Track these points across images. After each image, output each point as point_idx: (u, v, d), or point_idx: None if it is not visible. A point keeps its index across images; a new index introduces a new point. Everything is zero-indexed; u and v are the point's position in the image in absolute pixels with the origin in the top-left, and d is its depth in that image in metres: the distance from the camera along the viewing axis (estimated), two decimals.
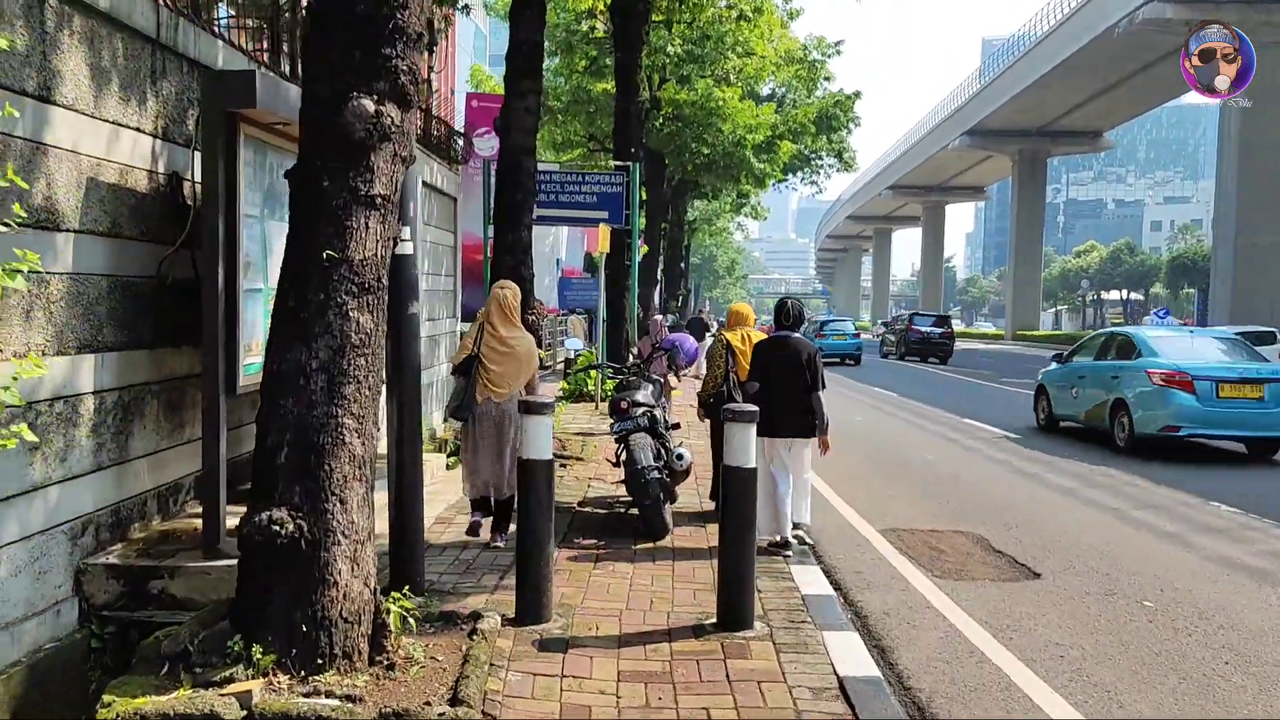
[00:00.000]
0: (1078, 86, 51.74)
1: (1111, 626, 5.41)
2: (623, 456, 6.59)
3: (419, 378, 5.32)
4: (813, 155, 32.03)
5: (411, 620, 4.33)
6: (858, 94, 27.98)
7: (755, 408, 4.89)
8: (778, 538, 6.36)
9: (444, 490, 8.06)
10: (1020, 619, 5.50)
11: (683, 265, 43.77)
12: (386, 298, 4.12)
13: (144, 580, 5.15)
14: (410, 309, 4.98)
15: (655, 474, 6.32)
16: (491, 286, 6.52)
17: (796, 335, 6.69)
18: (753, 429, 4.81)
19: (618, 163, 15.76)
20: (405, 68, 4.04)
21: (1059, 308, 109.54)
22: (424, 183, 13.04)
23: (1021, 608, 5.71)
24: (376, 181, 3.95)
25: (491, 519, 6.42)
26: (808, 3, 25.64)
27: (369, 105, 3.91)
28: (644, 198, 32.30)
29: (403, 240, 4.74)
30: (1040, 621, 5.46)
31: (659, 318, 14.03)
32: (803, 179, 33.23)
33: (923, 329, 35.49)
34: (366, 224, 3.94)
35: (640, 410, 6.59)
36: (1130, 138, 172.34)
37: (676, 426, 7.40)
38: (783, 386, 6.41)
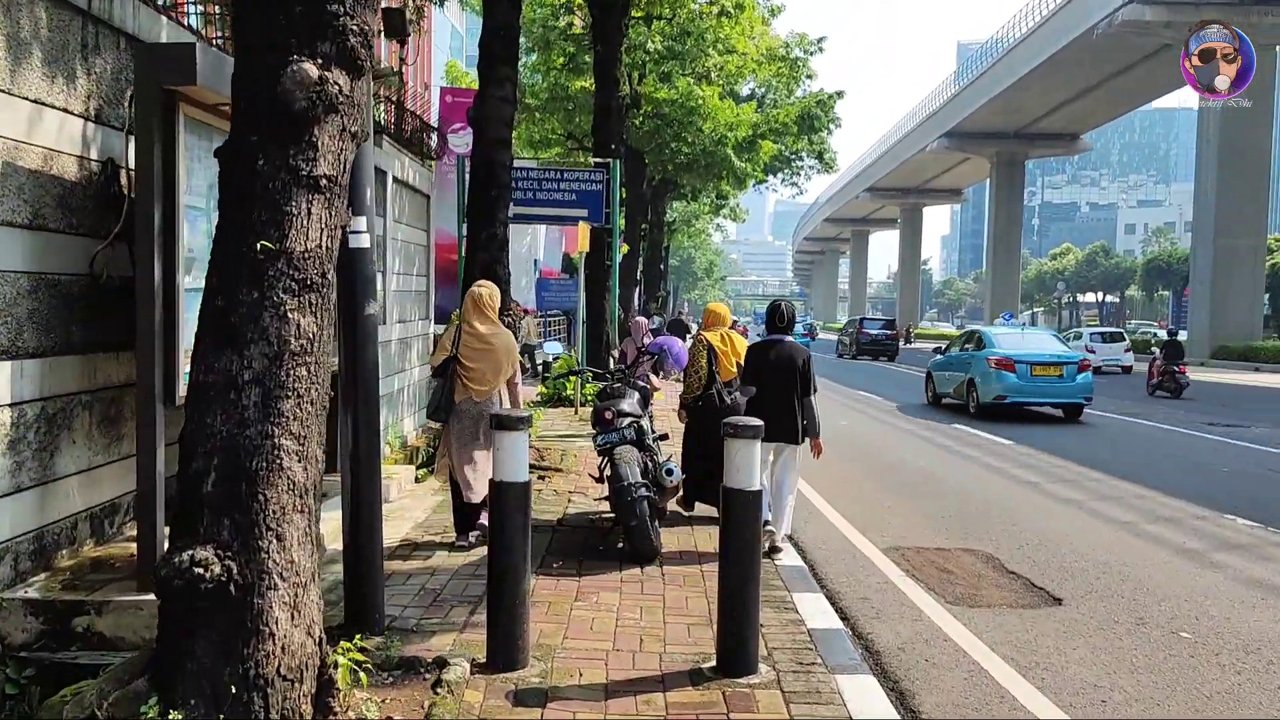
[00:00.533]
0: (1056, 88, 51.68)
1: (1150, 662, 4.88)
2: (607, 472, 6.02)
3: (376, 386, 4.71)
4: (793, 156, 31.57)
5: (363, 674, 3.72)
6: (840, 93, 27.51)
7: (759, 422, 4.30)
8: (766, 545, 6.08)
9: (412, 506, 7.45)
10: (1048, 654, 4.96)
11: (662, 266, 43.26)
12: (334, 296, 3.53)
13: (68, 616, 4.57)
14: (367, 309, 4.37)
15: (643, 492, 5.74)
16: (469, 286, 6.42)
17: (790, 339, 6.58)
18: (757, 445, 4.23)
19: (597, 159, 15.18)
20: (356, 28, 3.45)
21: (1035, 310, 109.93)
22: (395, 178, 12.42)
23: (1047, 640, 5.17)
24: (321, 160, 3.35)
25: (476, 517, 6.24)
26: (788, 1, 25.05)
27: (311, 71, 3.31)
28: (624, 197, 31.85)
29: (356, 232, 4.16)
30: (1071, 657, 4.92)
31: (641, 319, 13.42)
32: (783, 180, 32.78)
33: (872, 331, 40.12)
34: (309, 210, 3.33)
35: (626, 421, 6.01)
36: (1104, 141, 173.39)
37: (664, 438, 6.81)
38: (775, 391, 6.30)
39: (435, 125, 15.12)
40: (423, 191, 14.15)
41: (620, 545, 6.15)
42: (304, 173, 3.31)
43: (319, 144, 3.34)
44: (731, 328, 7.30)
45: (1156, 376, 21.79)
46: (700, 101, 22.56)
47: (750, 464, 4.18)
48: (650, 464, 6.10)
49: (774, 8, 25.20)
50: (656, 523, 6.02)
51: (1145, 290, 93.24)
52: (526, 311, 24.98)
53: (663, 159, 24.34)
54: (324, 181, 3.36)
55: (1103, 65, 46.53)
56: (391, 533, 6.47)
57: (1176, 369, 21.31)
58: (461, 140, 17.36)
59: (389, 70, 15.44)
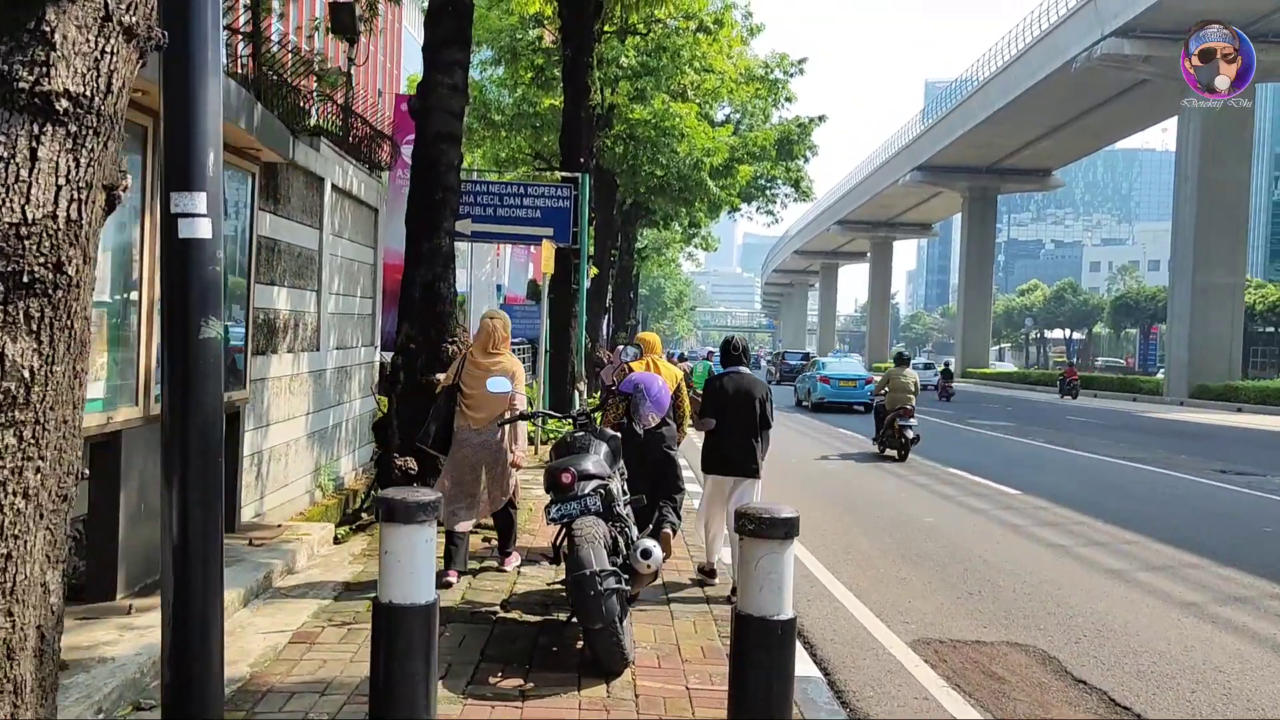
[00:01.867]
0: (1030, 124, 51.35)
1: None
2: (564, 547, 4.58)
3: (219, 440, 3.21)
4: (768, 184, 30.45)
5: None
6: (823, 117, 26.42)
7: (791, 514, 2.91)
8: (708, 565, 6.48)
9: (321, 581, 5.93)
10: None
11: (632, 295, 41.93)
12: (85, 303, 2.09)
13: None
14: (203, 331, 2.92)
15: (611, 583, 4.26)
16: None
17: (747, 371, 6.60)
18: (788, 551, 2.83)
19: (565, 173, 13.82)
20: None
21: (1002, 345, 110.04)
22: (335, 186, 10.98)
23: None
24: (58, 68, 1.93)
25: (497, 544, 6.58)
26: (765, 23, 23.90)
27: None
28: (593, 218, 30.54)
29: (190, 214, 2.75)
30: None
31: (620, 348, 11.61)
32: (758, 208, 31.61)
33: (791, 362, 47.83)
34: (32, 151, 1.91)
35: (589, 486, 4.56)
36: (1069, 180, 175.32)
37: (640, 502, 5.37)
38: (735, 424, 6.33)
39: (389, 134, 13.69)
40: (370, 204, 12.72)
41: (580, 641, 4.70)
42: (24, 85, 1.88)
43: (54, 35, 1.91)
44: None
45: (939, 390, 36.42)
46: (676, 121, 21.31)
47: (780, 580, 2.76)
48: (621, 540, 4.65)
49: (754, 27, 24.11)
50: (628, 621, 4.56)
51: (1113, 327, 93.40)
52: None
53: (635, 181, 23.05)
54: (63, 104, 1.93)
55: (1078, 100, 46.17)
56: (284, 623, 4.98)
57: (948, 385, 36.89)
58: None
59: (336, 71, 14.03)
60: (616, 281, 35.84)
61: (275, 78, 10.38)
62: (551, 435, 13.16)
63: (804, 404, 28.53)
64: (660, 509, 6.68)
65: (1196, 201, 38.52)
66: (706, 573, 6.51)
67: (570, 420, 5.41)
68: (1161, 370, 46.79)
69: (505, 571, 6.35)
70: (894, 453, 15.30)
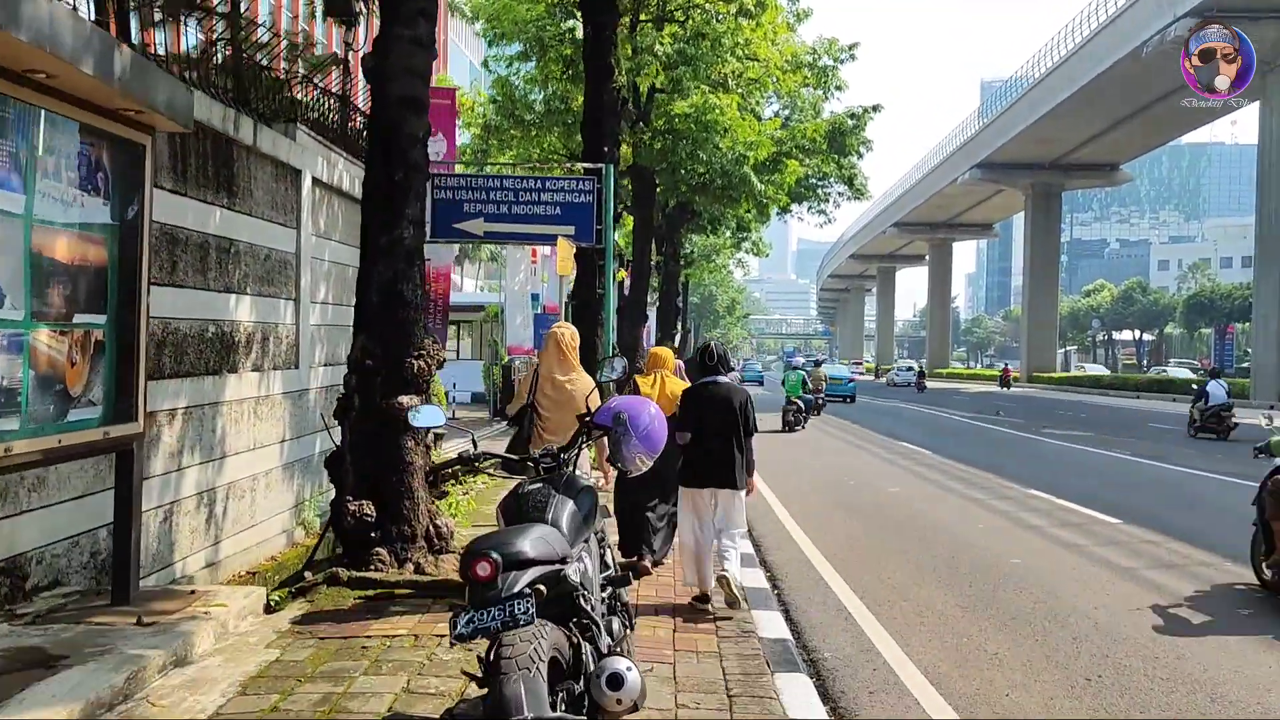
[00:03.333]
0: (1096, 115, 48.85)
1: None
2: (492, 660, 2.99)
3: None
4: (819, 182, 28.75)
5: None
6: (877, 107, 24.58)
7: None
8: (697, 590, 6.01)
9: (223, 669, 4.48)
10: None
11: (679, 302, 40.35)
12: None
13: None
14: None
15: None
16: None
17: (726, 380, 6.34)
18: None
19: (587, 165, 12.39)
20: None
21: (1068, 348, 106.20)
22: (317, 180, 9.66)
23: None
24: None
25: None
26: (813, 7, 21.99)
27: None
28: (624, 215, 28.85)
29: None
30: None
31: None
32: (810, 208, 29.92)
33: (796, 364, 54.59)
34: None
35: (525, 580, 2.88)
36: (1133, 175, 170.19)
37: (627, 582, 3.77)
38: (713, 434, 6.04)
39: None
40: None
41: None
42: None
43: None
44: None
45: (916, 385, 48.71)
46: (717, 114, 19.78)
47: None
48: (584, 653, 3.07)
49: (800, 12, 22.54)
50: None
51: (1186, 327, 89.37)
52: (523, 352, 22.16)
53: (675, 179, 21.56)
54: None
55: (1148, 89, 43.63)
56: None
57: (922, 381, 52.51)
58: (431, 149, 14.67)
59: (331, 58, 12.75)
60: (662, 289, 34.36)
61: (245, 58, 9.15)
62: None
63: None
64: (650, 524, 6.70)
65: None
66: (699, 599, 5.98)
67: (533, 463, 3.86)
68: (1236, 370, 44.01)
69: None
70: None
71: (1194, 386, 25.67)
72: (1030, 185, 60.56)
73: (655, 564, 6.87)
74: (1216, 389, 21.53)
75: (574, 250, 11.35)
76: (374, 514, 5.83)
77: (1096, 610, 6.59)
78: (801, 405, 22.07)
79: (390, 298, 6.08)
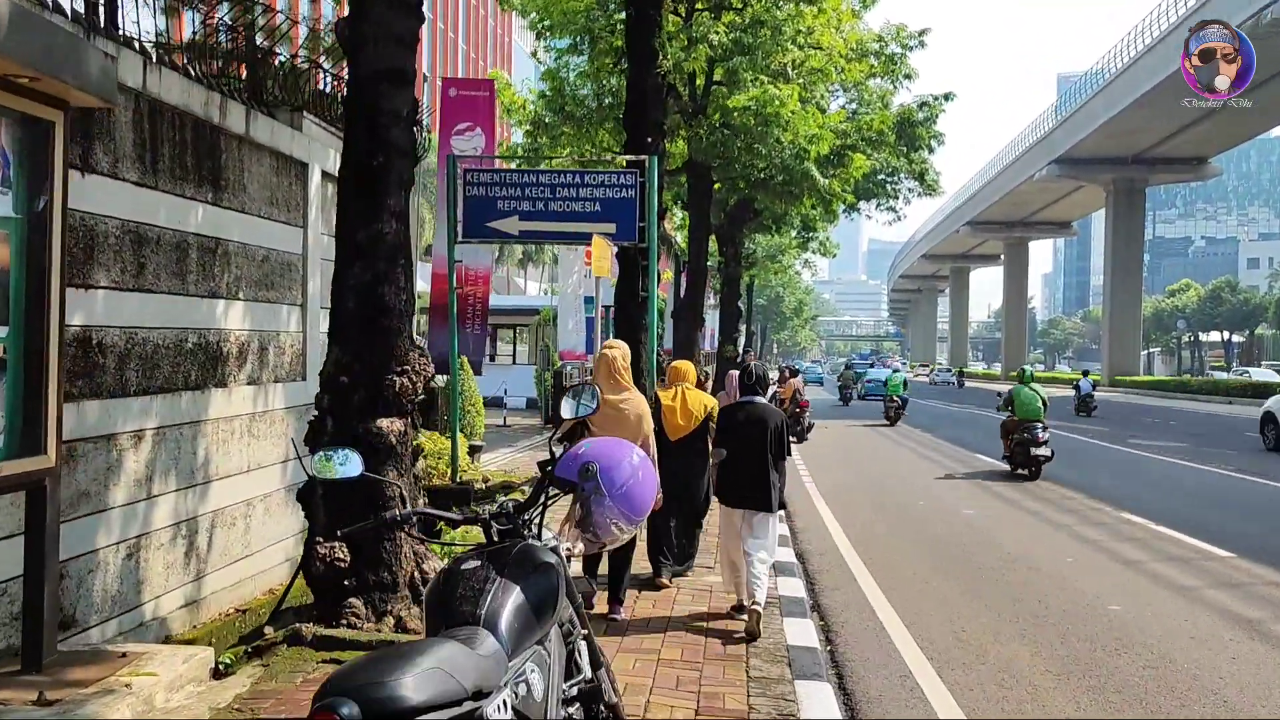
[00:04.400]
0: (1181, 107, 46.35)
1: None
2: None
3: None
4: (888, 178, 27.35)
5: None
6: (950, 95, 23.10)
7: None
8: (738, 601, 6.07)
9: None
10: None
11: (741, 305, 39.17)
12: None
13: None
14: None
15: None
16: (600, 346, 6.64)
17: (762, 400, 6.36)
18: None
19: (630, 158, 11.43)
20: None
21: (1151, 350, 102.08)
22: (327, 174, 8.92)
23: None
24: None
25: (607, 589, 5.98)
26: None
27: None
28: (679, 211, 27.85)
29: None
30: None
31: (733, 373, 8.96)
32: (879, 205, 28.52)
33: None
34: None
35: None
36: (1221, 169, 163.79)
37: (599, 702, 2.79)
38: (745, 455, 6.06)
39: (432, 130, 11.59)
40: None
41: None
42: None
43: None
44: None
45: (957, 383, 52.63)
46: (776, 105, 18.66)
47: None
48: None
49: None
50: None
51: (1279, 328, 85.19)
52: (576, 357, 21.29)
53: (732, 175, 20.48)
54: None
55: None
56: None
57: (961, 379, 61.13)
58: (468, 143, 13.88)
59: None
60: (723, 291, 33.23)
61: (247, 44, 8.41)
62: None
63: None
64: (671, 536, 6.84)
65: None
66: (736, 609, 6.16)
67: (488, 523, 2.84)
68: None
69: (617, 620, 5.92)
70: (1024, 470, 14.50)
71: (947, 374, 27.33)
72: (1111, 181, 58.01)
73: (676, 575, 7.01)
74: None
75: (613, 250, 10.39)
76: (348, 558, 4.95)
77: (1222, 682, 5.42)
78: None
79: (369, 303, 5.20)
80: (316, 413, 5.34)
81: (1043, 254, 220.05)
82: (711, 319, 45.47)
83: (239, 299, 7.13)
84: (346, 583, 4.98)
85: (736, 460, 6.08)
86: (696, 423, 6.65)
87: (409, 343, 5.35)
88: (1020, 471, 14.44)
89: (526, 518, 2.89)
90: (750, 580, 5.86)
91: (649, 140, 11.31)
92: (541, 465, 3.12)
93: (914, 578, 7.98)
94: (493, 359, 30.12)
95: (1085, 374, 36.21)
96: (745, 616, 5.80)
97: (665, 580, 6.82)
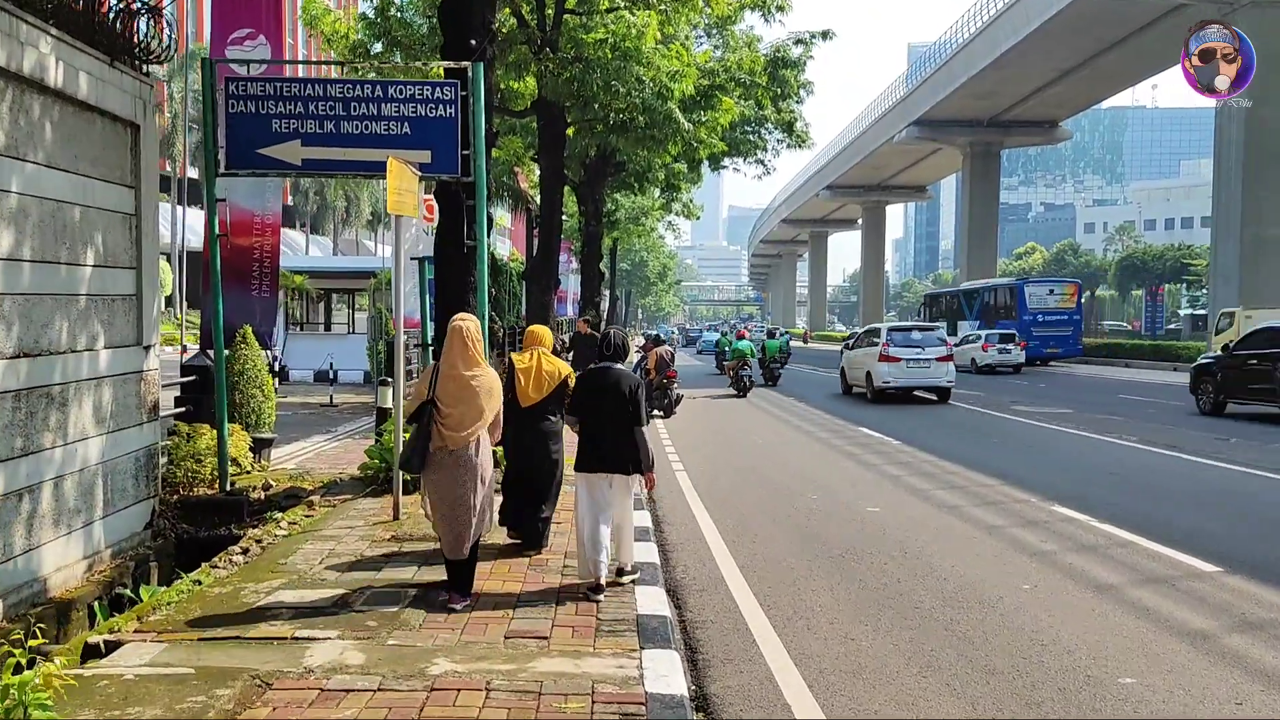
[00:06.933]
0: (1039, 68, 46.52)
1: None
2: None
3: None
4: (756, 127, 25.49)
5: None
6: (827, 33, 21.16)
7: None
8: (591, 580, 5.77)
9: None
10: None
11: (604, 268, 36.89)
12: None
13: None
14: None
15: None
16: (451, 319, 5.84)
17: (619, 367, 6.25)
18: None
19: (448, 64, 8.89)
20: None
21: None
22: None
23: None
24: None
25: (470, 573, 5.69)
26: None
27: None
28: (526, 161, 25.16)
29: None
30: None
31: (662, 344, 6.96)
32: (746, 158, 26.67)
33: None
34: None
35: None
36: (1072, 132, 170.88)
37: None
38: (604, 420, 6.02)
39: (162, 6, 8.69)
40: (110, 113, 7.79)
41: None
42: None
43: None
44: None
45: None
46: (636, 39, 16.34)
47: None
48: None
49: None
50: None
51: (1117, 289, 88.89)
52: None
53: (589, 117, 18.08)
54: None
55: (1096, 36, 41.29)
56: None
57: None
58: (246, 53, 10.96)
59: None
60: (582, 251, 30.88)
61: None
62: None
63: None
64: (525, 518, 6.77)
65: (1244, 146, 33.84)
66: (592, 588, 5.76)
67: None
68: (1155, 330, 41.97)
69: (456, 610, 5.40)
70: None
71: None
72: (969, 144, 58.44)
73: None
74: None
75: (415, 180, 7.86)
76: None
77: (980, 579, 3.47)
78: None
79: None
80: None
81: (894, 219, 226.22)
82: (573, 284, 43.05)
83: None
84: None
85: (600, 426, 6.01)
86: (549, 390, 6.57)
87: None
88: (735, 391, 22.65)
89: None
90: (620, 538, 6.00)
91: (472, 43, 8.78)
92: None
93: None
94: (328, 328, 27.01)
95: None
96: (601, 597, 5.67)
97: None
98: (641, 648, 4.77)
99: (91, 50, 7.36)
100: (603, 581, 5.75)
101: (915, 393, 21.33)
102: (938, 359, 20.81)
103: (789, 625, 5.69)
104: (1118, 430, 15.59)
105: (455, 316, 5.92)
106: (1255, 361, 17.03)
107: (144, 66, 8.34)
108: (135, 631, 4.89)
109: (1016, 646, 5.30)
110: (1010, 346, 33.45)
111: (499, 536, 6.94)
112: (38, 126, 6.69)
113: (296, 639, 4.78)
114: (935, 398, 21.14)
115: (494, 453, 6.18)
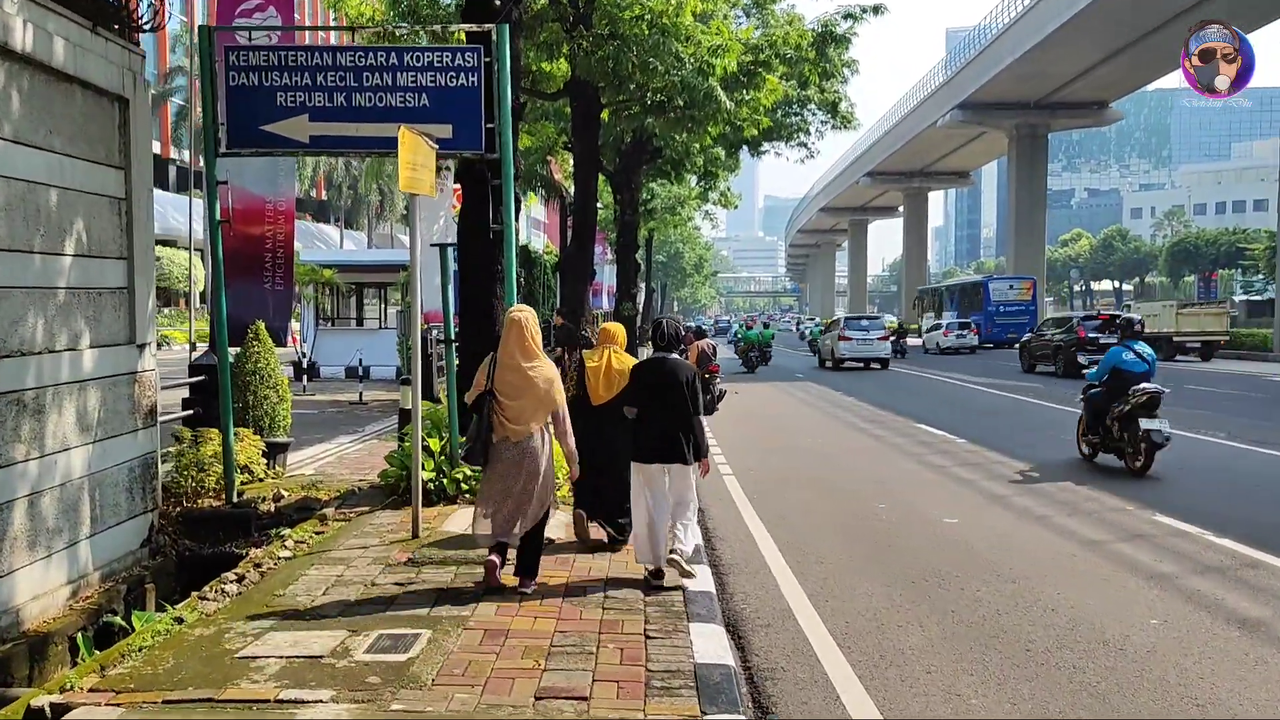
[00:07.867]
0: (1088, 47, 44.77)
1: None
2: None
3: None
4: (799, 111, 24.41)
5: None
6: (878, 7, 19.94)
7: None
8: (651, 566, 5.86)
9: None
10: None
11: (639, 258, 35.89)
12: None
13: None
14: None
15: None
16: (507, 311, 6.10)
17: (674, 357, 6.29)
18: None
19: (469, 27, 8.00)
20: None
21: (1045, 299, 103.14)
22: None
23: None
24: None
25: (516, 561, 5.77)
26: None
27: None
28: (560, 151, 24.24)
29: None
30: None
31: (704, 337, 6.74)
32: (789, 141, 25.59)
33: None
34: None
35: None
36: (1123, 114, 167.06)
37: None
38: (661, 411, 5.99)
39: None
40: (93, 85, 6.96)
41: None
42: None
43: None
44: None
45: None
46: (674, 13, 15.37)
47: None
48: None
49: None
50: None
51: (1169, 275, 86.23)
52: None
53: (624, 97, 17.13)
54: None
55: (1149, 15, 39.55)
56: None
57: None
58: (254, 24, 10.15)
59: None
60: (618, 242, 29.92)
61: None
62: (465, 486, 7.44)
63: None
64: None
65: None
66: (654, 574, 5.86)
67: None
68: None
69: (527, 593, 5.51)
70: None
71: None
72: (1014, 126, 56.71)
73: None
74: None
75: (432, 155, 6.96)
76: None
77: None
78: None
79: None
80: None
81: (934, 207, 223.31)
82: (609, 276, 42.08)
83: None
84: None
85: (655, 416, 5.99)
86: (620, 388, 6.50)
87: None
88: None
89: None
90: (685, 527, 5.94)
91: (497, 3, 7.87)
92: None
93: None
94: (360, 323, 26.38)
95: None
96: (664, 583, 5.75)
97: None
98: (703, 714, 3.85)
99: (67, 12, 6.55)
100: (664, 567, 5.80)
101: (870, 365, 29.35)
102: (878, 339, 29.73)
103: (875, 671, 4.74)
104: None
105: (512, 308, 5.95)
106: None
107: (134, 35, 7.53)
108: (90, 691, 4.05)
109: (1166, 707, 4.31)
110: (965, 333, 40.76)
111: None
112: (1, 97, 5.89)
113: (281, 702, 3.91)
114: (879, 366, 29.43)
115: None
